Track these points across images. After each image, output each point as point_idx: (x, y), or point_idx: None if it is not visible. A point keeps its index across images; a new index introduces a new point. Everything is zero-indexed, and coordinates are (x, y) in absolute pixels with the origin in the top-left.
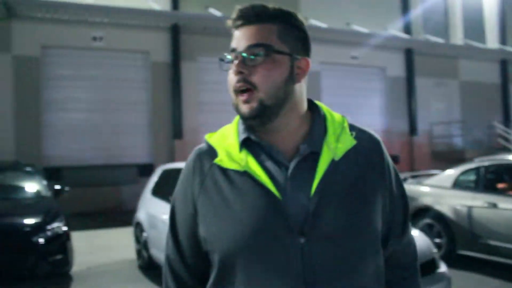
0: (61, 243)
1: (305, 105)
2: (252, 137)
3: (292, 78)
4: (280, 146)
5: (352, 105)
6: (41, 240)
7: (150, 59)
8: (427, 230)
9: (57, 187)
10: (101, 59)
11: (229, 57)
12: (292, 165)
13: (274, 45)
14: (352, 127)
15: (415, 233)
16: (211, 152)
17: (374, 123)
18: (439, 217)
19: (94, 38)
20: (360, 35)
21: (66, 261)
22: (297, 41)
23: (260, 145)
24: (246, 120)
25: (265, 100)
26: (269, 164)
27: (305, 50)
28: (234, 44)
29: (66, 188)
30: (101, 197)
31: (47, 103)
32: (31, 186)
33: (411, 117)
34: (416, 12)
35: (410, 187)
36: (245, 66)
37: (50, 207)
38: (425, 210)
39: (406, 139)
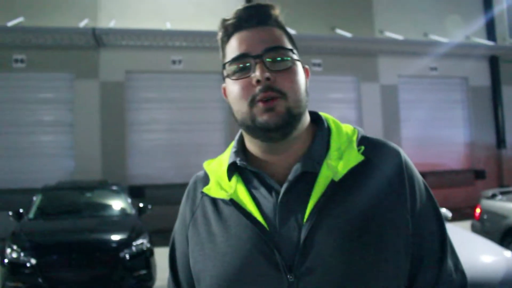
0: (145, 258)
1: (308, 116)
2: (238, 161)
3: (307, 86)
4: (278, 168)
5: (432, 118)
6: (127, 256)
7: None
8: None
9: (141, 205)
10: (180, 81)
11: (240, 64)
12: (282, 190)
13: (293, 49)
14: (363, 141)
15: (508, 254)
16: (206, 180)
17: (457, 136)
18: None
19: (174, 62)
20: (438, 45)
21: (150, 276)
22: (296, 48)
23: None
24: (268, 131)
25: (293, 108)
26: (261, 190)
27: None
28: (243, 48)
29: (149, 206)
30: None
31: (131, 125)
32: (117, 204)
33: (498, 129)
34: (500, 17)
35: (500, 204)
36: (270, 71)
37: (135, 224)
38: None
39: (493, 153)
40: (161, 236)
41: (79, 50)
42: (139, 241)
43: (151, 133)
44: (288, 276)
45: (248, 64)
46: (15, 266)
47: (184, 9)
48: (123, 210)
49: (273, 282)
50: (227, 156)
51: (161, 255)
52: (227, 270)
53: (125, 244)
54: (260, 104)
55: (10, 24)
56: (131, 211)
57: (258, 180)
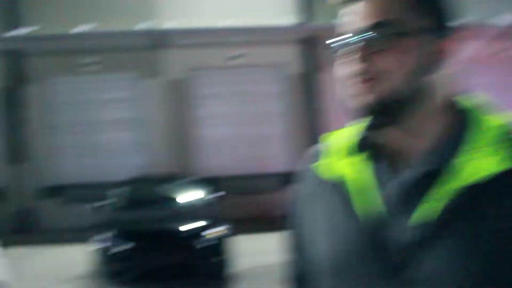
0: (221, 246)
1: (444, 100)
2: (370, 138)
3: (429, 65)
4: (403, 155)
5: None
6: (205, 243)
7: (285, 71)
8: None
9: (216, 194)
10: (241, 75)
11: (344, 42)
12: (399, 181)
13: (406, 21)
14: None
15: None
16: (318, 155)
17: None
18: None
19: (234, 57)
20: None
21: (226, 263)
22: (439, 11)
23: (376, 151)
24: (365, 116)
25: (391, 92)
26: (377, 176)
27: (450, 23)
28: (347, 25)
29: (223, 196)
30: (250, 204)
31: (199, 119)
32: (195, 194)
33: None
34: None
35: None
36: (367, 52)
37: (213, 213)
38: None
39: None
40: (231, 224)
41: (144, 51)
42: (215, 229)
43: (218, 127)
44: (395, 283)
45: (348, 42)
46: (108, 252)
47: (244, 4)
48: (200, 200)
49: (378, 283)
50: (356, 129)
51: (234, 243)
52: (326, 265)
53: (202, 232)
54: (357, 86)
55: (81, 29)
56: (207, 200)
57: (378, 164)
